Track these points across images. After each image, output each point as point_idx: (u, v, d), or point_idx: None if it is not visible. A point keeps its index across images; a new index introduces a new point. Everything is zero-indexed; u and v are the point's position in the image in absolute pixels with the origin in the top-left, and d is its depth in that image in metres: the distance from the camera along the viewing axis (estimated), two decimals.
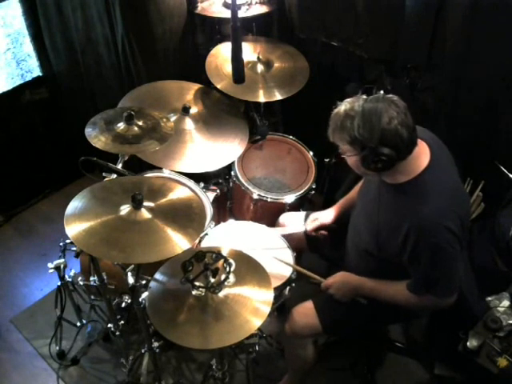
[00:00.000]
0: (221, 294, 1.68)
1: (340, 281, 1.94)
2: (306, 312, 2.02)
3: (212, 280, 1.67)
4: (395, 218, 1.68)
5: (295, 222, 2.30)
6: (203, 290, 1.67)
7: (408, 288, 1.77)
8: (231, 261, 1.72)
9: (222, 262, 1.71)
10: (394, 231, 1.67)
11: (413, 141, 1.59)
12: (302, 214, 2.32)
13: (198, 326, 1.62)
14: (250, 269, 1.80)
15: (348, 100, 1.62)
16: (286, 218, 2.37)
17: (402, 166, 1.62)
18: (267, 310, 1.66)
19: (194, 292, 1.68)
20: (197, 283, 1.67)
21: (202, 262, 1.67)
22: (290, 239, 2.24)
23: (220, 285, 1.67)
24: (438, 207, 1.60)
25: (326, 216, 2.18)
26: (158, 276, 1.79)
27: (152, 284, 1.77)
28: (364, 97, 1.60)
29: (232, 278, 1.70)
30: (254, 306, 1.67)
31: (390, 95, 1.60)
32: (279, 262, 2.07)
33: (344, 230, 2.05)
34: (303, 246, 2.31)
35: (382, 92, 1.60)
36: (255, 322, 1.62)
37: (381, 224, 1.74)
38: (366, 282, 1.88)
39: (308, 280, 2.03)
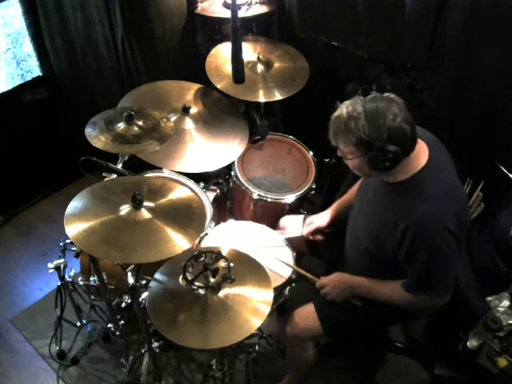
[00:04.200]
0: (221, 294, 1.68)
1: (335, 280, 1.94)
2: (307, 315, 2.02)
3: (212, 280, 1.67)
4: (393, 217, 1.67)
5: (294, 226, 2.29)
6: (203, 289, 1.68)
7: (403, 286, 1.77)
8: (231, 261, 1.72)
9: (221, 261, 1.71)
10: (392, 229, 1.67)
11: (414, 136, 1.60)
12: (302, 217, 2.32)
13: (198, 326, 1.62)
14: (249, 269, 1.80)
15: (346, 102, 1.61)
16: (286, 221, 2.37)
17: (402, 164, 1.62)
18: (267, 310, 1.66)
19: (193, 292, 1.68)
20: (197, 283, 1.67)
21: (202, 262, 1.67)
22: (290, 243, 2.24)
23: (220, 285, 1.67)
24: (436, 206, 1.60)
25: (321, 219, 2.18)
26: (158, 276, 1.80)
27: (152, 284, 1.77)
28: (362, 98, 1.60)
29: (232, 278, 1.70)
30: (253, 305, 1.67)
31: (387, 93, 1.60)
32: (279, 262, 2.07)
33: (342, 231, 2.04)
34: (304, 250, 2.31)
35: (376, 92, 1.60)
36: (255, 322, 1.63)
37: (380, 223, 1.73)
38: (362, 281, 1.88)
39: (308, 280, 2.03)
